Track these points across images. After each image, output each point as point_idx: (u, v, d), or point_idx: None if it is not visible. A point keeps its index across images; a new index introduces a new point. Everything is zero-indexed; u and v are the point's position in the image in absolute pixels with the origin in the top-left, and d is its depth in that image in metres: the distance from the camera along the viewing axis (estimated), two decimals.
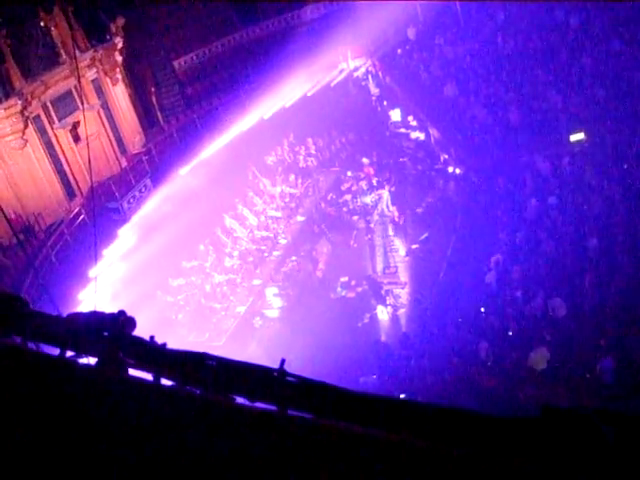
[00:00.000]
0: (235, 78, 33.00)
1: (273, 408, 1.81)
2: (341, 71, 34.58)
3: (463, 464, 1.58)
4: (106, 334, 2.17)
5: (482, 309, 20.00)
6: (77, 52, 24.35)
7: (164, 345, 2.12)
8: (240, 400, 1.88)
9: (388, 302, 23.67)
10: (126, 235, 24.32)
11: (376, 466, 1.61)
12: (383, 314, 23.25)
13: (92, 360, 2.16)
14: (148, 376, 2.01)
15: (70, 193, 25.71)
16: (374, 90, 35.28)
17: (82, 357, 2.18)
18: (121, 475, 1.79)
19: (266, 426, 1.76)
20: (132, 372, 2.06)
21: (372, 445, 1.65)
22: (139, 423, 1.88)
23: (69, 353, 2.18)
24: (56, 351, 2.18)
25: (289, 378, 1.86)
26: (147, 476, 1.78)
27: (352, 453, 1.64)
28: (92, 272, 20.10)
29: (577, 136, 24.97)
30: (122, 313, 2.28)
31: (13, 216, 22.89)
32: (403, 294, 24.12)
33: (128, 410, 1.92)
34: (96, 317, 2.28)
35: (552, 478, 1.53)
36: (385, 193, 29.22)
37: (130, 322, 2.24)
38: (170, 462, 1.78)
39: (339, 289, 24.88)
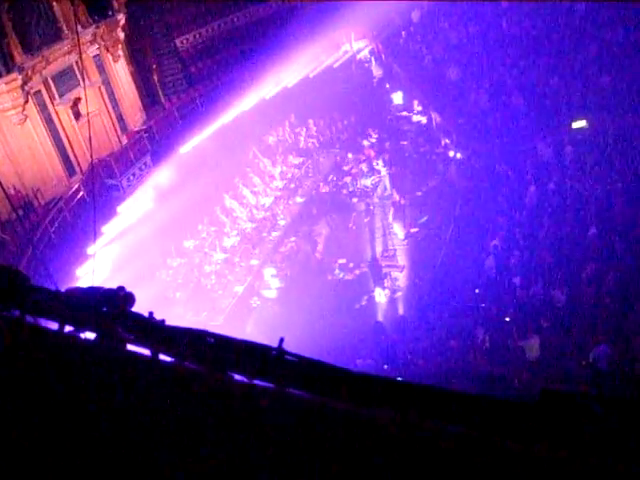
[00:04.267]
0: (237, 58, 32.88)
1: (271, 386, 1.81)
2: (344, 53, 34.48)
3: (459, 443, 1.58)
4: (105, 309, 2.17)
5: (477, 291, 20.07)
6: (79, 27, 24.20)
7: (163, 322, 2.11)
8: (238, 378, 1.88)
9: (386, 285, 23.70)
10: (125, 213, 24.29)
11: (373, 445, 1.61)
12: (381, 297, 23.27)
13: (91, 335, 2.16)
14: (146, 352, 2.01)
15: (70, 170, 25.66)
16: (377, 72, 35.19)
17: (81, 332, 2.18)
18: (118, 449, 1.79)
19: (264, 403, 1.77)
20: (131, 347, 2.06)
21: (370, 424, 1.65)
22: (137, 397, 1.88)
23: (68, 328, 2.18)
24: (55, 326, 2.18)
25: (288, 357, 1.86)
26: (144, 450, 1.79)
27: (351, 432, 1.64)
28: (91, 249, 20.09)
29: (579, 123, 24.93)
30: (121, 289, 2.28)
31: (12, 192, 22.85)
32: (401, 277, 24.15)
33: (127, 385, 1.92)
34: (95, 292, 2.28)
35: (549, 460, 1.53)
36: (385, 176, 29.21)
37: (129, 298, 2.24)
38: (167, 437, 1.78)
39: (337, 271, 24.90)
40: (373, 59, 35.37)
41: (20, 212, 22.22)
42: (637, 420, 1.63)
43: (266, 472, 1.66)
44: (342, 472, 1.60)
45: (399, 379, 1.77)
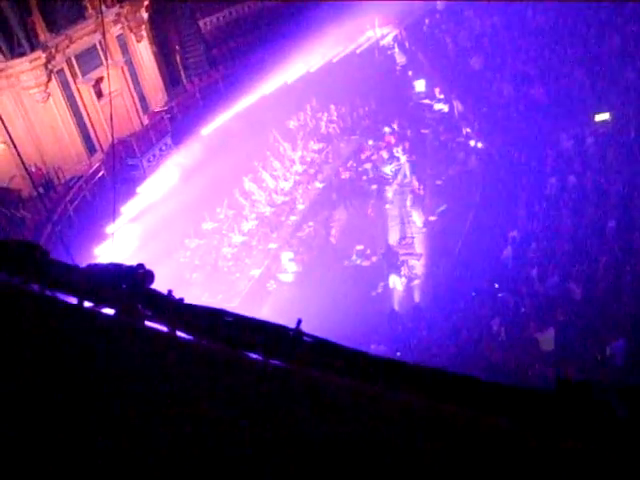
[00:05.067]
0: (260, 41, 32.79)
1: (288, 366, 1.82)
2: (368, 39, 34.33)
3: (474, 428, 1.59)
4: (124, 286, 2.19)
5: (496, 285, 19.96)
6: (103, 7, 24.25)
7: (182, 300, 2.12)
8: (255, 357, 1.89)
9: (403, 273, 23.65)
10: (145, 193, 24.37)
11: (389, 425, 1.62)
12: (397, 284, 23.23)
13: (109, 311, 2.17)
14: (164, 329, 2.02)
15: (91, 148, 25.77)
16: (400, 59, 35.04)
17: (100, 307, 2.19)
18: (134, 423, 1.81)
19: (280, 382, 1.78)
20: (149, 324, 2.08)
21: (386, 405, 1.66)
22: (154, 372, 1.90)
23: (87, 303, 2.19)
24: (73, 301, 2.19)
25: (305, 338, 1.86)
26: (159, 424, 1.80)
27: (368, 412, 1.65)
28: (110, 228, 20.19)
29: (602, 116, 24.71)
30: (141, 266, 2.29)
31: (34, 169, 23.00)
32: (418, 265, 24.10)
33: (144, 359, 1.94)
34: (115, 269, 2.29)
35: (564, 451, 1.53)
36: (405, 163, 29.12)
37: (149, 275, 2.25)
38: (184, 412, 1.80)
39: (354, 257, 24.88)
40: (396, 46, 35.20)
41: (41, 190, 22.35)
42: None
43: (278, 449, 1.67)
44: (356, 451, 1.61)
45: (415, 363, 1.77)
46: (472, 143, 28.49)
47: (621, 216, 20.28)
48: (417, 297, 22.64)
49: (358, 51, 33.40)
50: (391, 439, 1.60)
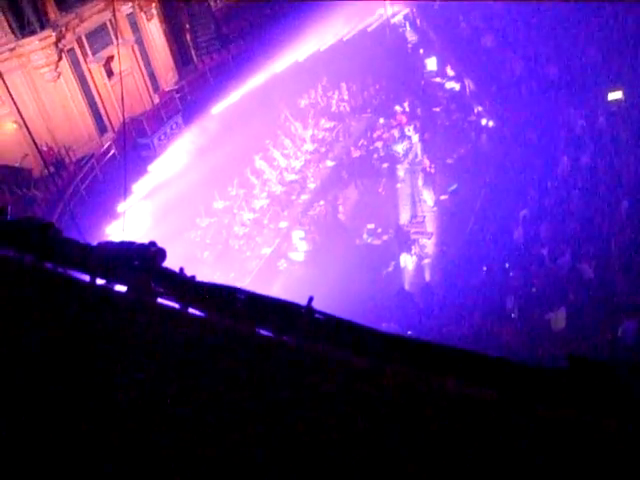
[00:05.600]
0: (271, 19, 32.63)
1: (300, 343, 1.83)
2: (379, 17, 34.12)
3: (486, 406, 1.59)
4: (137, 263, 2.19)
5: (507, 264, 19.93)
6: None
7: (193, 277, 2.13)
8: (267, 334, 1.90)
9: (413, 252, 23.64)
10: (156, 172, 24.39)
11: (400, 400, 1.62)
12: (408, 263, 23.23)
13: (122, 289, 2.18)
14: (176, 306, 2.03)
15: (101, 128, 25.79)
16: (411, 37, 34.84)
17: (112, 285, 2.20)
18: (146, 398, 1.82)
19: (292, 358, 1.78)
20: (161, 301, 2.08)
21: (397, 381, 1.66)
22: (167, 348, 1.91)
23: (99, 281, 2.20)
24: (86, 278, 2.20)
25: (317, 315, 1.87)
26: (171, 399, 1.81)
27: (379, 388, 1.65)
28: (121, 207, 20.23)
29: (615, 95, 24.53)
30: (153, 244, 2.29)
31: (45, 148, 23.04)
32: (429, 244, 24.08)
33: (157, 335, 1.95)
34: (127, 246, 2.30)
35: (576, 427, 1.54)
36: (416, 142, 29.02)
37: (160, 253, 2.25)
38: (194, 386, 1.81)
39: (365, 236, 24.88)
40: (408, 24, 34.99)
41: (52, 169, 22.41)
42: None
43: (288, 424, 1.68)
44: (366, 425, 1.62)
45: (427, 340, 1.77)
46: (483, 122, 28.38)
47: (634, 195, 20.17)
48: (428, 276, 22.64)
49: (369, 29, 33.22)
50: (402, 414, 1.61)
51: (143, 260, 2.16)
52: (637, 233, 18.85)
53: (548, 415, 1.55)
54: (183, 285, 2.04)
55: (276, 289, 23.13)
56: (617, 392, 1.59)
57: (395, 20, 34.94)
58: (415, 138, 29.30)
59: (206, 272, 22.79)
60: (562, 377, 1.64)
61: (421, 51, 33.81)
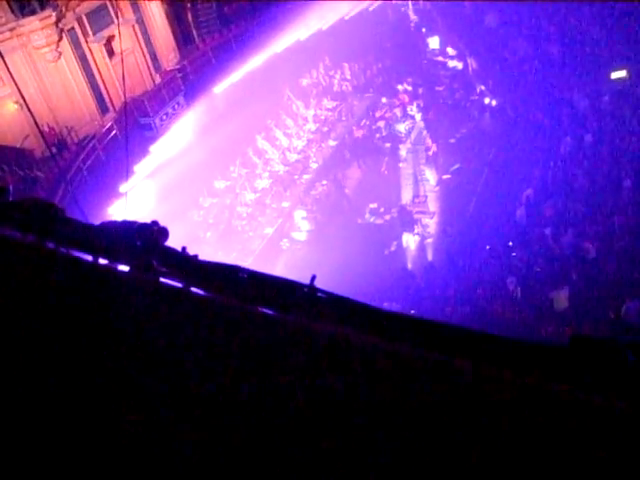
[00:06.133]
0: None
1: (303, 321, 1.83)
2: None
3: (487, 381, 1.60)
4: (139, 243, 2.19)
5: (510, 244, 19.94)
6: None
7: (196, 256, 2.13)
8: (270, 312, 1.90)
9: (416, 231, 23.66)
10: (158, 152, 24.35)
11: (403, 379, 1.63)
12: (410, 243, 23.25)
13: (124, 268, 2.18)
14: (179, 285, 2.03)
15: (103, 108, 25.73)
16: (413, 16, 34.64)
17: (115, 264, 2.20)
18: (150, 377, 1.83)
19: (295, 336, 1.79)
20: (164, 280, 2.09)
21: (400, 360, 1.67)
22: (169, 327, 1.91)
23: (102, 260, 2.20)
24: (89, 258, 2.20)
25: (319, 294, 1.87)
26: (174, 379, 1.82)
27: (383, 367, 1.66)
28: (123, 187, 20.22)
29: (619, 73, 24.41)
30: (155, 223, 2.29)
31: (46, 129, 23.00)
32: (431, 224, 24.09)
33: (159, 315, 1.95)
34: (129, 226, 2.30)
35: (580, 405, 1.54)
36: (419, 122, 28.95)
37: (163, 232, 2.25)
38: (198, 365, 1.81)
39: (367, 215, 24.88)
40: (410, 3, 34.79)
41: (54, 149, 22.37)
42: None
43: (292, 402, 1.68)
44: (370, 404, 1.63)
45: (431, 319, 1.78)
46: (486, 101, 28.29)
47: (636, 174, 20.14)
48: (430, 255, 22.66)
49: (371, 8, 33.03)
50: (404, 393, 1.61)
51: (145, 239, 2.16)
52: (638, 211, 18.84)
53: (556, 394, 1.55)
54: (186, 264, 2.04)
55: (279, 269, 23.17)
56: (620, 370, 1.59)
57: None
58: (418, 117, 29.23)
59: (208, 252, 22.80)
60: (565, 355, 1.64)
61: (423, 30, 33.66)
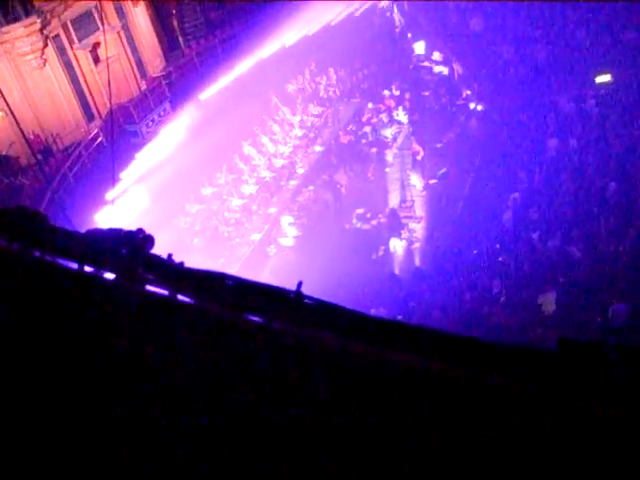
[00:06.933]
0: (259, 4, 32.45)
1: (290, 328, 1.82)
2: (367, 1, 33.99)
3: (475, 387, 1.59)
4: (124, 250, 2.18)
5: (497, 246, 20.00)
6: None
7: (182, 264, 2.12)
8: (257, 320, 1.90)
9: (403, 236, 23.69)
10: (144, 159, 24.29)
11: (390, 385, 1.62)
12: (397, 248, 23.28)
13: (110, 276, 2.17)
14: (165, 292, 2.02)
15: (89, 115, 25.67)
16: (399, 21, 34.73)
17: (100, 272, 2.19)
18: (135, 385, 1.82)
19: (282, 343, 1.78)
20: (149, 288, 2.08)
21: (387, 366, 1.66)
22: (155, 336, 1.90)
23: (87, 268, 2.19)
24: (74, 266, 2.19)
25: (306, 300, 1.86)
26: (161, 388, 1.81)
27: (369, 373, 1.65)
28: (109, 195, 20.17)
29: (603, 77, 24.55)
30: (140, 231, 2.28)
31: (32, 136, 22.92)
32: (418, 229, 24.13)
33: (145, 323, 1.94)
34: (114, 233, 2.29)
35: (565, 408, 1.54)
36: (405, 126, 29.00)
37: (149, 240, 2.24)
38: (186, 375, 1.80)
39: (354, 221, 24.89)
40: (395, 7, 34.88)
41: (39, 157, 22.30)
42: None
43: (279, 409, 1.67)
44: (357, 412, 1.62)
45: (417, 324, 1.77)
46: (472, 105, 28.37)
47: (622, 178, 20.24)
48: (418, 260, 22.69)
49: (357, 14, 33.09)
50: (391, 399, 1.61)
51: (131, 247, 2.15)
52: (625, 215, 18.93)
53: (539, 398, 1.55)
54: (171, 272, 2.03)
55: (266, 275, 23.15)
56: (607, 373, 1.60)
57: (383, 4, 34.82)
58: (404, 122, 29.28)
59: (195, 259, 22.73)
60: (552, 359, 1.64)
61: (409, 35, 33.73)
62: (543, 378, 1.60)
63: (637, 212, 18.90)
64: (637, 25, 24.92)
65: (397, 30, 34.63)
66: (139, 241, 2.19)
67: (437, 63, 31.55)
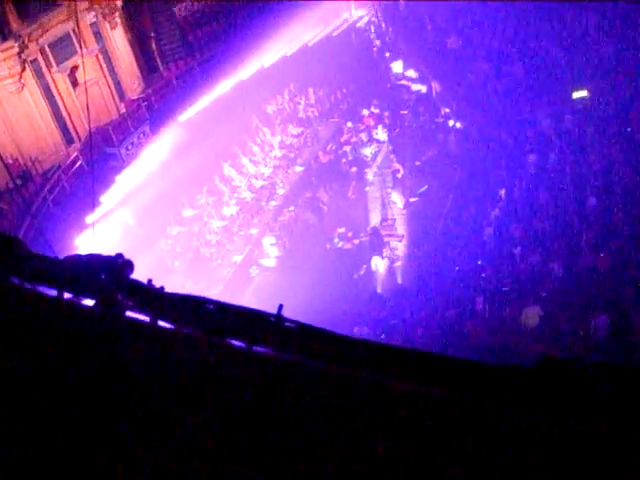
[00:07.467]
0: (236, 25, 32.57)
1: (271, 352, 1.82)
2: (344, 21, 34.23)
3: (455, 408, 1.59)
4: (104, 276, 2.17)
5: (479, 262, 20.06)
6: None
7: (162, 289, 2.11)
8: (238, 344, 1.89)
9: (385, 254, 23.71)
10: (124, 182, 24.23)
11: (371, 407, 1.62)
12: (379, 266, 23.30)
13: (90, 302, 2.16)
14: (146, 318, 2.01)
15: (68, 139, 25.59)
16: (376, 41, 34.98)
17: (80, 299, 2.18)
18: (115, 412, 1.80)
19: (263, 369, 1.77)
20: (130, 314, 2.07)
21: (368, 389, 1.66)
22: (136, 363, 1.89)
23: (67, 295, 2.18)
24: (54, 293, 2.18)
25: (287, 323, 1.86)
26: (141, 414, 1.80)
27: (347, 396, 1.65)
28: (89, 218, 20.09)
29: (580, 93, 24.78)
30: (120, 256, 2.27)
31: (10, 161, 22.81)
32: (400, 247, 24.16)
33: (125, 350, 1.93)
34: (94, 259, 2.28)
35: (546, 426, 1.54)
36: (385, 145, 29.13)
37: (128, 265, 2.23)
38: (167, 400, 1.79)
39: (336, 240, 24.89)
40: (373, 27, 35.13)
41: (18, 181, 22.18)
42: (634, 388, 1.63)
43: (261, 432, 1.67)
44: (337, 434, 1.62)
45: (396, 345, 1.77)
46: (451, 123, 28.53)
47: (601, 193, 20.39)
48: (400, 279, 22.72)
49: (334, 34, 33.30)
50: (374, 422, 1.61)
51: (110, 273, 2.14)
52: (605, 230, 19.05)
53: (519, 416, 1.56)
54: (151, 297, 2.02)
55: (248, 296, 23.11)
56: (584, 391, 1.60)
57: (361, 24, 35.07)
58: (384, 140, 29.41)
59: (177, 281, 22.69)
60: (530, 377, 1.64)
61: (387, 54, 33.95)
62: (523, 396, 1.60)
63: (616, 226, 19.04)
64: (611, 39, 25.18)
65: (375, 49, 34.87)
66: (118, 266, 2.18)
67: (415, 81, 31.75)
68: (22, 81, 23.35)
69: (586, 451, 1.50)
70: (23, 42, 23.17)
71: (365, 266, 23.43)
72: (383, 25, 34.34)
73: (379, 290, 22.06)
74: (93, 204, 18.27)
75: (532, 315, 17.24)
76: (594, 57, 25.29)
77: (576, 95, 24.75)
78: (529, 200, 21.68)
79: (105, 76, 27.62)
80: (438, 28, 30.31)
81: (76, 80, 25.95)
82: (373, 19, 35.04)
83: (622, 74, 23.93)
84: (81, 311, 2.09)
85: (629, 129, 22.30)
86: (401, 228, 24.96)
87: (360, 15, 34.77)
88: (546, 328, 17.00)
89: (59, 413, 1.86)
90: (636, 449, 1.48)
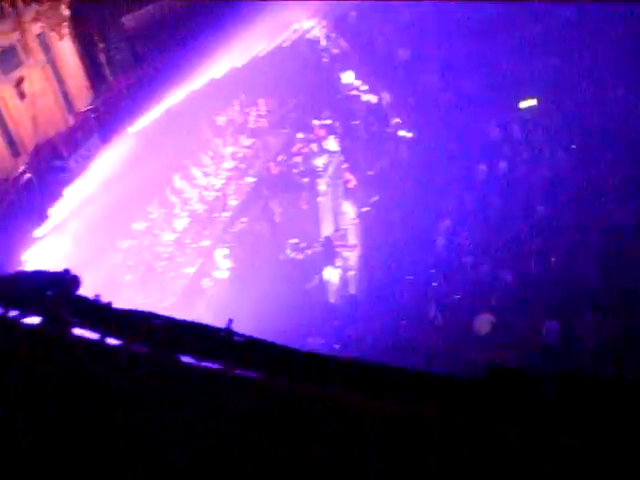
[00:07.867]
0: (186, 36, 32.36)
1: (220, 367, 1.81)
2: (294, 32, 34.27)
3: (407, 420, 1.60)
4: (50, 293, 2.14)
5: (432, 271, 20.21)
6: (20, 5, 23.64)
7: (109, 304, 2.09)
8: (186, 360, 1.87)
9: (338, 264, 23.75)
10: (73, 195, 23.89)
11: (322, 421, 1.62)
12: (332, 276, 23.32)
13: (36, 320, 2.12)
14: (94, 335, 1.98)
15: (15, 151, 25.14)
16: (327, 52, 35.09)
17: (26, 317, 2.14)
18: (65, 431, 1.78)
19: (213, 385, 1.76)
20: (77, 331, 2.04)
21: (317, 402, 1.66)
22: (83, 380, 1.86)
23: (12, 312, 2.14)
24: None
25: (236, 337, 1.85)
26: (87, 432, 1.77)
27: (295, 410, 1.64)
28: (37, 232, 19.76)
29: (528, 103, 25.18)
30: (66, 272, 2.24)
31: None
32: (353, 256, 24.22)
33: (72, 368, 1.90)
34: (40, 276, 2.25)
35: (495, 435, 1.55)
36: (336, 155, 29.19)
37: (75, 281, 2.21)
38: (114, 420, 1.77)
39: (288, 251, 24.86)
40: (323, 38, 35.24)
41: None
42: (584, 396, 1.66)
43: (211, 447, 1.66)
44: (289, 447, 1.61)
45: (347, 357, 1.78)
46: (401, 133, 28.74)
47: (549, 201, 20.70)
48: (353, 288, 22.77)
49: (285, 45, 33.31)
50: (325, 435, 1.61)
51: (57, 289, 2.11)
52: (553, 237, 19.35)
53: (466, 425, 1.57)
54: (98, 314, 2.00)
55: (201, 308, 22.94)
56: (534, 399, 1.62)
57: (311, 35, 35.14)
58: (335, 150, 29.47)
59: (128, 295, 22.43)
60: (478, 387, 1.66)
61: (338, 65, 34.08)
62: (470, 405, 1.61)
63: (564, 232, 19.35)
64: (557, 51, 25.64)
65: (325, 60, 34.96)
66: (65, 283, 2.15)
67: (365, 92, 31.91)
68: None
69: (531, 457, 1.52)
70: None
71: (318, 276, 23.44)
72: (333, 36, 34.47)
73: (332, 300, 22.08)
74: (41, 218, 17.99)
75: (485, 322, 17.42)
76: (542, 68, 25.72)
77: (524, 105, 25.16)
78: (478, 209, 21.93)
79: (53, 87, 27.18)
80: (388, 39, 30.55)
81: (23, 92, 25.52)
82: (323, 30, 35.13)
83: (568, 84, 24.39)
84: (26, 329, 2.05)
85: (574, 146, 22.69)
86: (353, 238, 25.03)
87: (311, 26, 34.83)
88: (498, 335, 17.19)
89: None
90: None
